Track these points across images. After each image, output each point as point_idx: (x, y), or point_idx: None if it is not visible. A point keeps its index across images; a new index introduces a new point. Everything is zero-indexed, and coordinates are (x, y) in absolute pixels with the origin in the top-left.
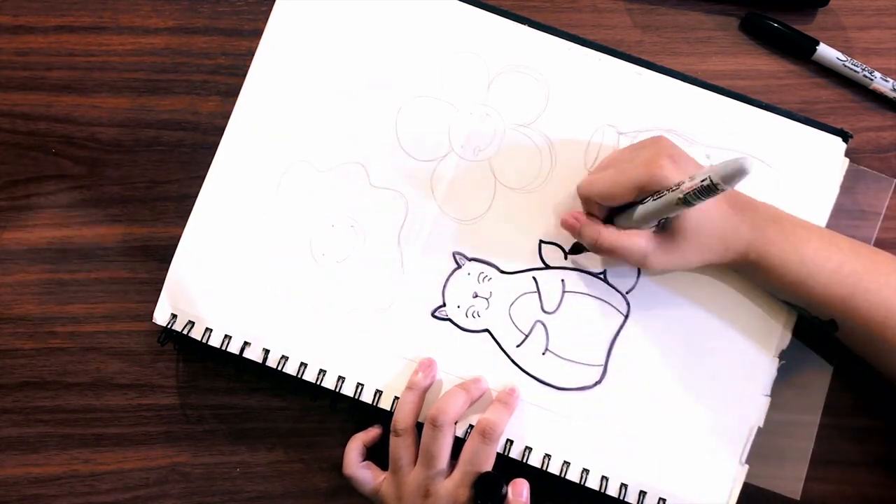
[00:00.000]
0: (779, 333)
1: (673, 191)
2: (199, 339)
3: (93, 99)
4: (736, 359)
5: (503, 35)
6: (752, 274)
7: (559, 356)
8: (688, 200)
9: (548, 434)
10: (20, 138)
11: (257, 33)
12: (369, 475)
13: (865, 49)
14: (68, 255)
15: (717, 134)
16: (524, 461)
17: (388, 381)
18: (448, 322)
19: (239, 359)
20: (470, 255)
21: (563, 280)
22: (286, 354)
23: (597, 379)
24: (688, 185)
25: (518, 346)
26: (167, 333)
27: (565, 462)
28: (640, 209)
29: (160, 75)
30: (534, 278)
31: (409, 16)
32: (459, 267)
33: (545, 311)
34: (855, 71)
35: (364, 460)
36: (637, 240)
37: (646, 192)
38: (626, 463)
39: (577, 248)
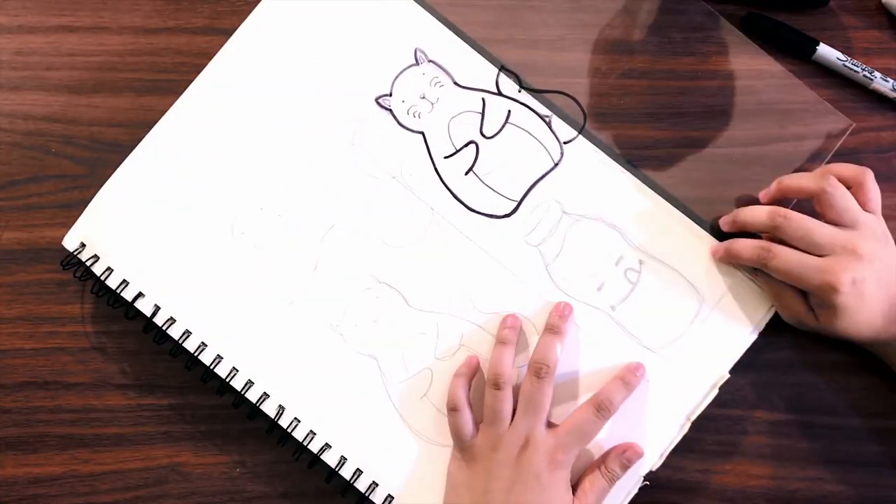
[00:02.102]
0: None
1: None
2: (99, 274)
3: (93, 99)
4: None
5: (472, 66)
6: None
7: (480, 179)
8: None
9: None
10: (20, 138)
11: None
12: (471, 418)
13: (865, 49)
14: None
15: (654, 244)
16: None
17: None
18: (388, 113)
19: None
20: (430, 57)
21: (509, 111)
22: (190, 329)
23: (508, 211)
24: None
25: (446, 157)
26: (71, 261)
27: None
28: None
29: (160, 75)
30: (483, 99)
31: (378, 27)
32: (417, 64)
33: (483, 135)
34: (855, 71)
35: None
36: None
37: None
38: None
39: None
